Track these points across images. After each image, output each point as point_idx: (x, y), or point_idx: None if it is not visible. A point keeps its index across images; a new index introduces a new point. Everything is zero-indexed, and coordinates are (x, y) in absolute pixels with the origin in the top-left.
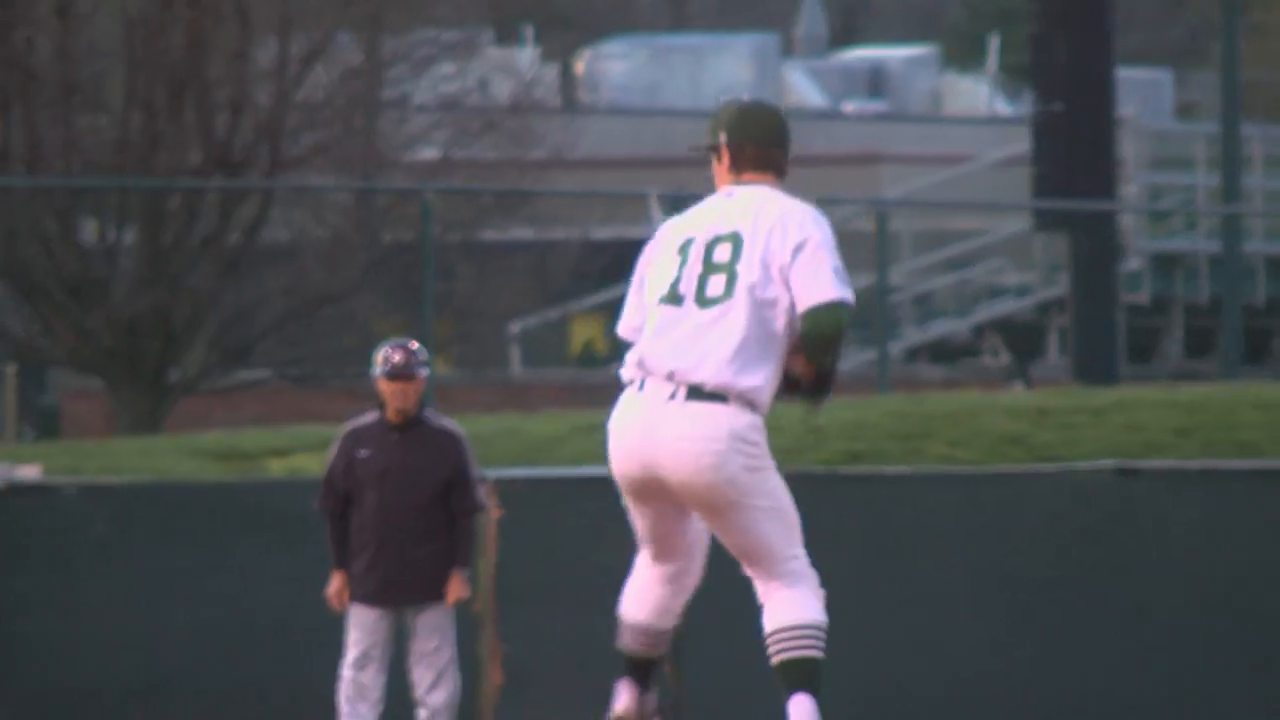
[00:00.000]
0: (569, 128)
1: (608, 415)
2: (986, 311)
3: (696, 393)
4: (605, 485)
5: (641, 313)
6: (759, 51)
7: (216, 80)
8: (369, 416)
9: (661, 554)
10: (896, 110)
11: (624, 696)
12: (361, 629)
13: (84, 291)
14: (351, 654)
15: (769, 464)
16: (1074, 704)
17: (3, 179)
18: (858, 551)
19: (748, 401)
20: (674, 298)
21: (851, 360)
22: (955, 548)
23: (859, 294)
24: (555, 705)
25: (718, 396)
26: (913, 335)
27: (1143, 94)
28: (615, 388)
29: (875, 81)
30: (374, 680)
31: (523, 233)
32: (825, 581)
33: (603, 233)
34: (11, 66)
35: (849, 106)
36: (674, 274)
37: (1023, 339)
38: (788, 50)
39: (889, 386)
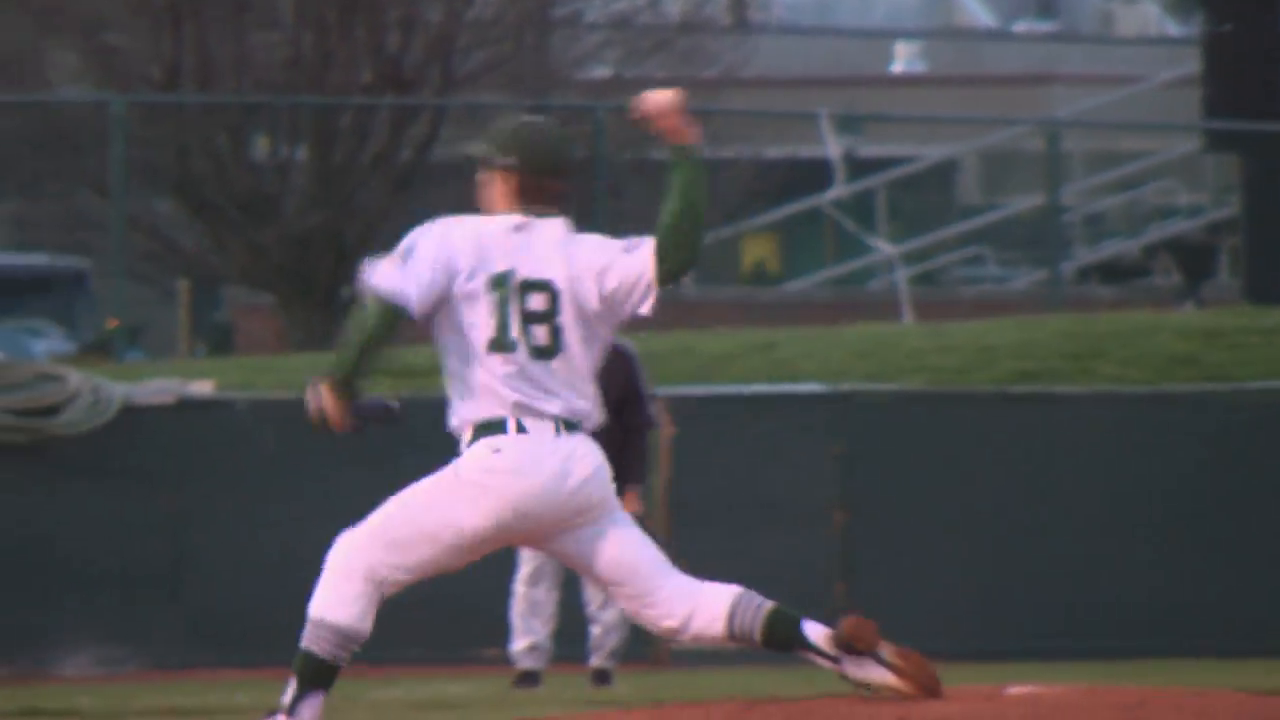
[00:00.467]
0: (740, 47)
1: (778, 332)
2: (1158, 232)
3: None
4: (776, 404)
5: (417, 284)
6: None
7: None
8: None
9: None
10: (1067, 30)
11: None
12: (530, 559)
13: (255, 208)
14: (524, 570)
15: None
16: (1241, 615)
17: (175, 96)
18: (1028, 469)
19: None
20: (505, 345)
21: (1022, 279)
22: (1125, 466)
23: (1030, 213)
24: None
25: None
26: (1083, 255)
27: None
28: (786, 305)
29: (1045, 1)
30: (547, 596)
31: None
32: (996, 499)
33: (774, 152)
34: None
35: (1019, 26)
36: (496, 318)
37: (1194, 259)
38: None
39: (1060, 306)
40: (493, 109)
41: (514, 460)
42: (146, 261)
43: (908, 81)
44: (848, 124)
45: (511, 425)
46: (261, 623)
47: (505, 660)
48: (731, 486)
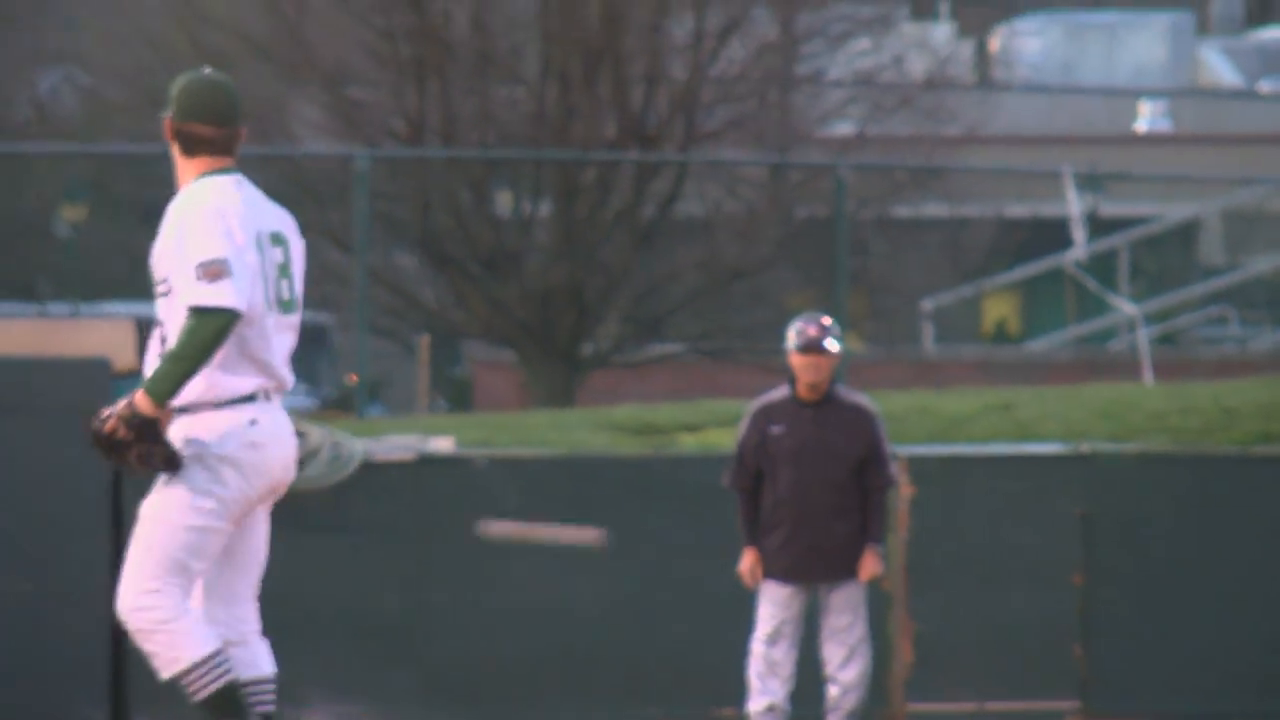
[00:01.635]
0: (983, 104)
1: (1018, 392)
2: None
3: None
4: (1017, 464)
5: (250, 281)
6: (1174, 29)
7: (631, 53)
8: (780, 392)
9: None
10: None
11: None
12: (774, 604)
13: (497, 263)
14: (763, 629)
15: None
16: None
17: (419, 150)
18: (1272, 533)
19: None
20: (270, 304)
21: (1266, 340)
22: None
23: (1274, 273)
24: (965, 682)
25: None
26: None
27: None
28: (1026, 365)
29: None
30: (786, 656)
31: (937, 209)
32: (1230, 561)
33: (1016, 210)
34: (429, 39)
35: (1264, 85)
36: (261, 275)
37: None
38: (1203, 29)
39: None
40: (735, 165)
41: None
42: (388, 316)
43: (1152, 140)
44: (1090, 182)
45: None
46: (504, 679)
47: None
48: (969, 547)
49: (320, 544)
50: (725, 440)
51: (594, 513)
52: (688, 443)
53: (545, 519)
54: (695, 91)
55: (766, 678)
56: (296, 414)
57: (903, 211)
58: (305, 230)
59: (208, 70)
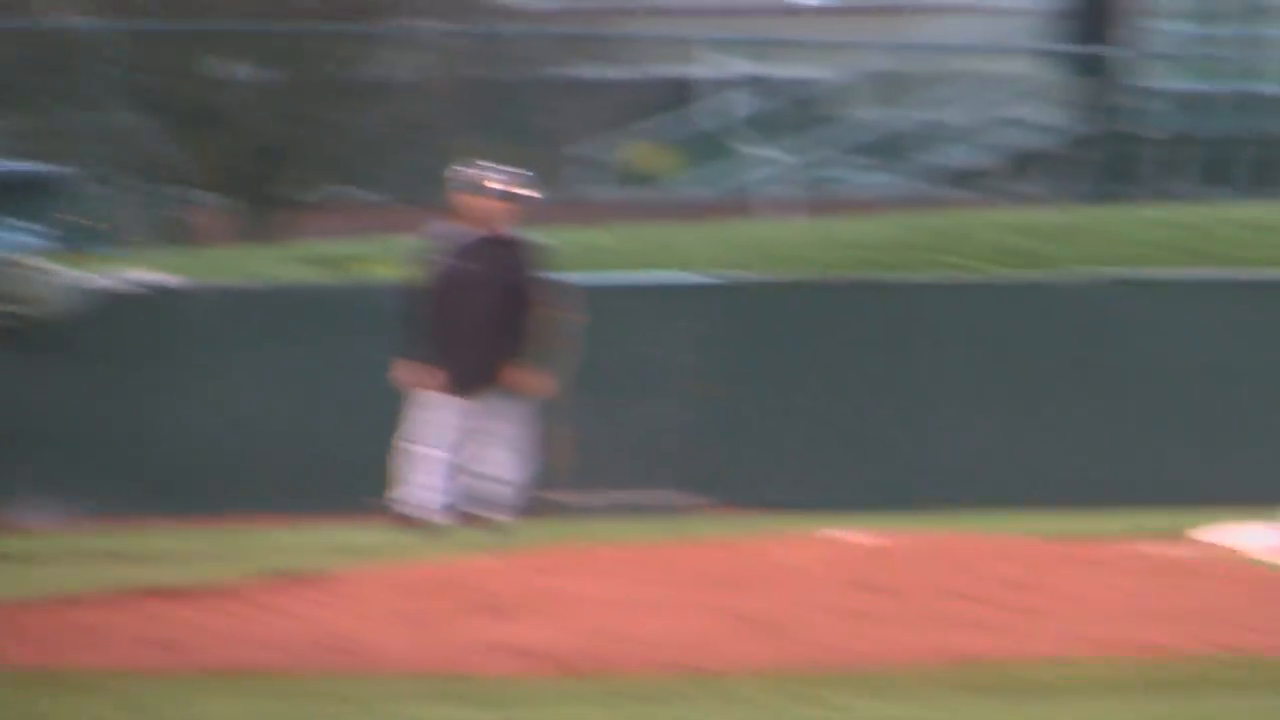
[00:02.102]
0: None
1: (679, 229)
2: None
3: None
4: (664, 292)
5: None
6: None
7: None
8: (455, 227)
9: None
10: None
11: None
12: (444, 412)
13: (207, 117)
14: (429, 433)
15: None
16: (1060, 479)
17: (141, 23)
18: (876, 348)
19: None
20: None
21: (906, 185)
22: (961, 349)
23: (894, 124)
24: (618, 479)
25: None
26: (944, 160)
27: None
28: (687, 207)
29: None
30: (450, 459)
31: (594, 71)
32: (850, 373)
33: (675, 71)
34: None
35: None
36: None
37: (1057, 169)
38: None
39: (920, 205)
40: (432, 33)
41: None
42: (115, 168)
43: (806, 13)
44: (751, 50)
45: None
46: (204, 483)
47: (392, 509)
48: (622, 363)
49: (48, 365)
50: (399, 272)
51: (289, 336)
52: (367, 273)
53: (244, 342)
54: None
55: (415, 470)
56: (32, 253)
57: (581, 73)
58: (48, 94)
59: None
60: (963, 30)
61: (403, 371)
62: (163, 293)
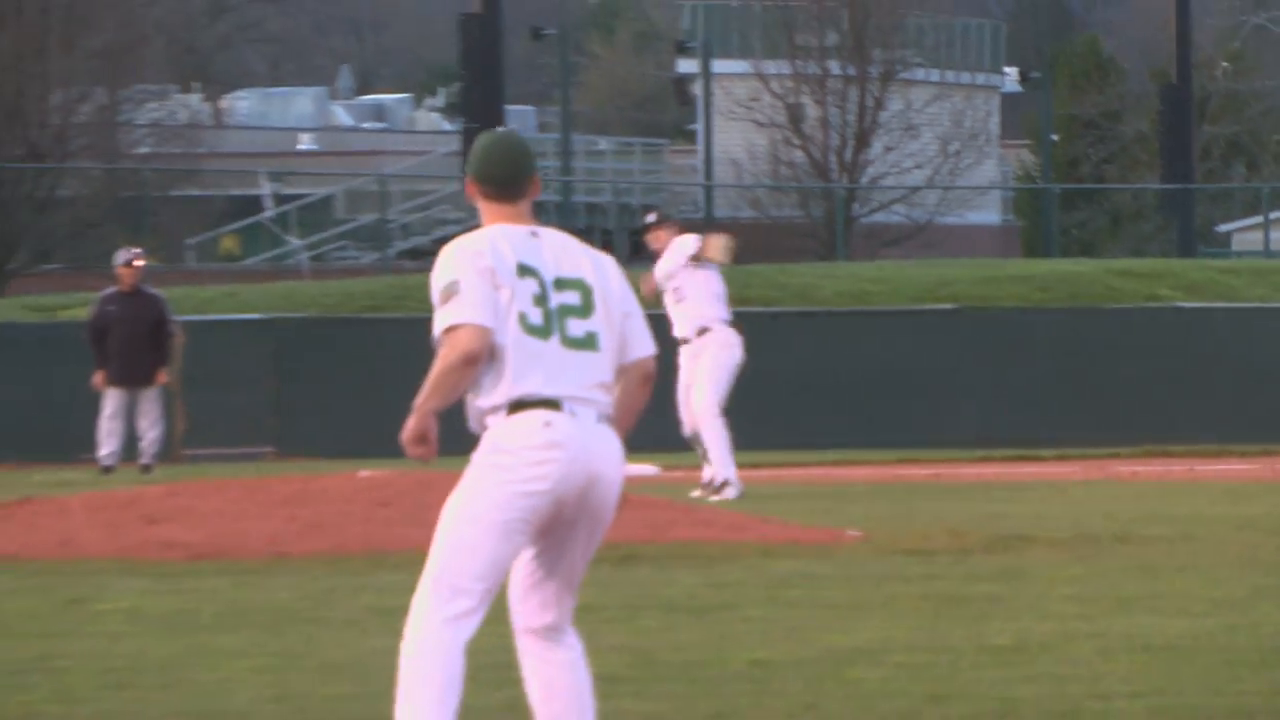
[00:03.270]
0: (219, 135)
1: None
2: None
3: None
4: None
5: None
6: (318, 96)
7: None
8: (112, 288)
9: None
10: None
11: None
12: (113, 399)
13: None
14: (107, 411)
15: None
16: None
17: None
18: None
19: None
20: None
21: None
22: None
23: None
24: (224, 442)
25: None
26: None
27: None
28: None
29: None
30: (119, 428)
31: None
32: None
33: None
34: None
35: (367, 126)
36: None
37: None
38: (333, 96)
39: None
40: (93, 168)
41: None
42: None
43: (306, 155)
44: (275, 178)
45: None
46: None
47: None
48: (210, 364)
49: None
50: (83, 313)
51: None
52: (69, 315)
53: None
54: None
55: (109, 437)
56: None
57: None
58: None
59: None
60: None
61: (96, 375)
62: None
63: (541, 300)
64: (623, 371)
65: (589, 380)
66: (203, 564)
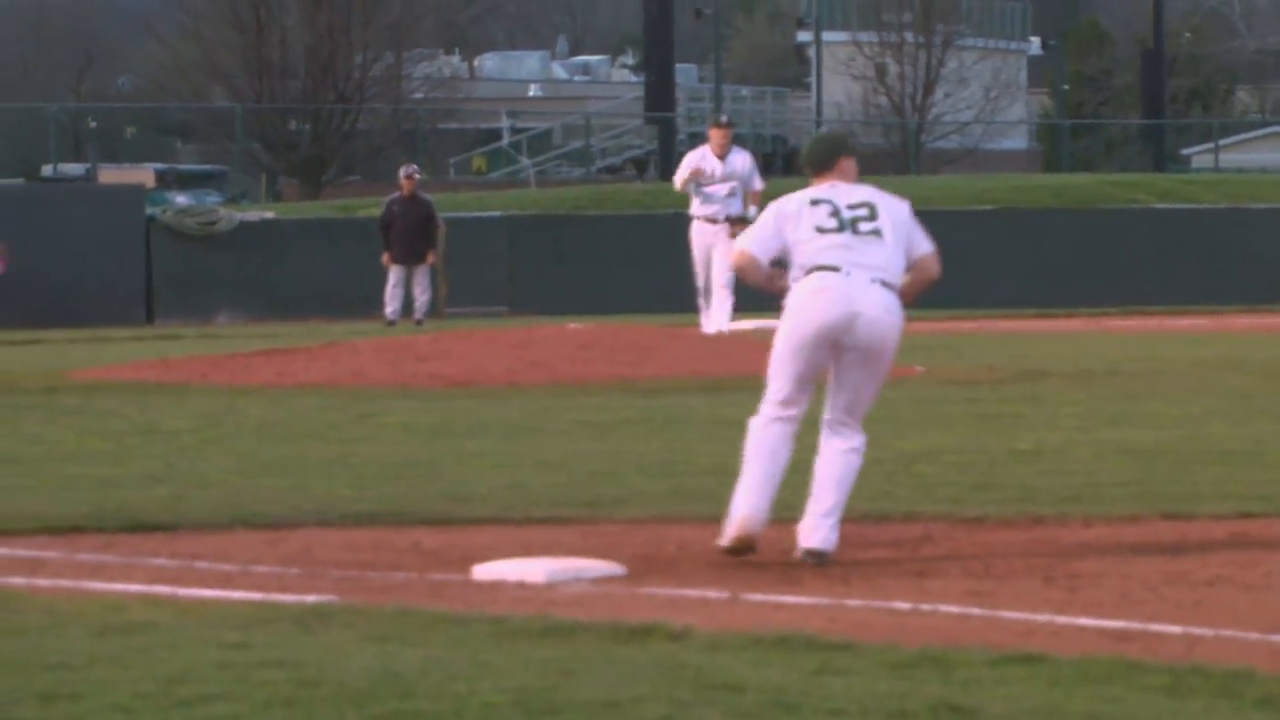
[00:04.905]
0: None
1: None
2: None
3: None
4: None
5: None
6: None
7: None
8: (396, 194)
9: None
10: None
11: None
12: (395, 273)
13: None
14: (391, 281)
15: None
16: None
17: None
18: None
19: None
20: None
21: None
22: None
23: None
24: (473, 303)
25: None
26: None
27: None
28: None
29: None
30: (399, 293)
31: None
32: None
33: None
34: None
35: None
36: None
37: None
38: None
39: None
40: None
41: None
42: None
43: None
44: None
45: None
46: None
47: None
48: (476, 256)
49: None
50: (375, 211)
51: None
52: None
53: None
54: None
55: (391, 301)
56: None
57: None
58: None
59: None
60: None
61: (384, 255)
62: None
63: (835, 214)
64: (914, 263)
65: (871, 258)
66: (456, 390)
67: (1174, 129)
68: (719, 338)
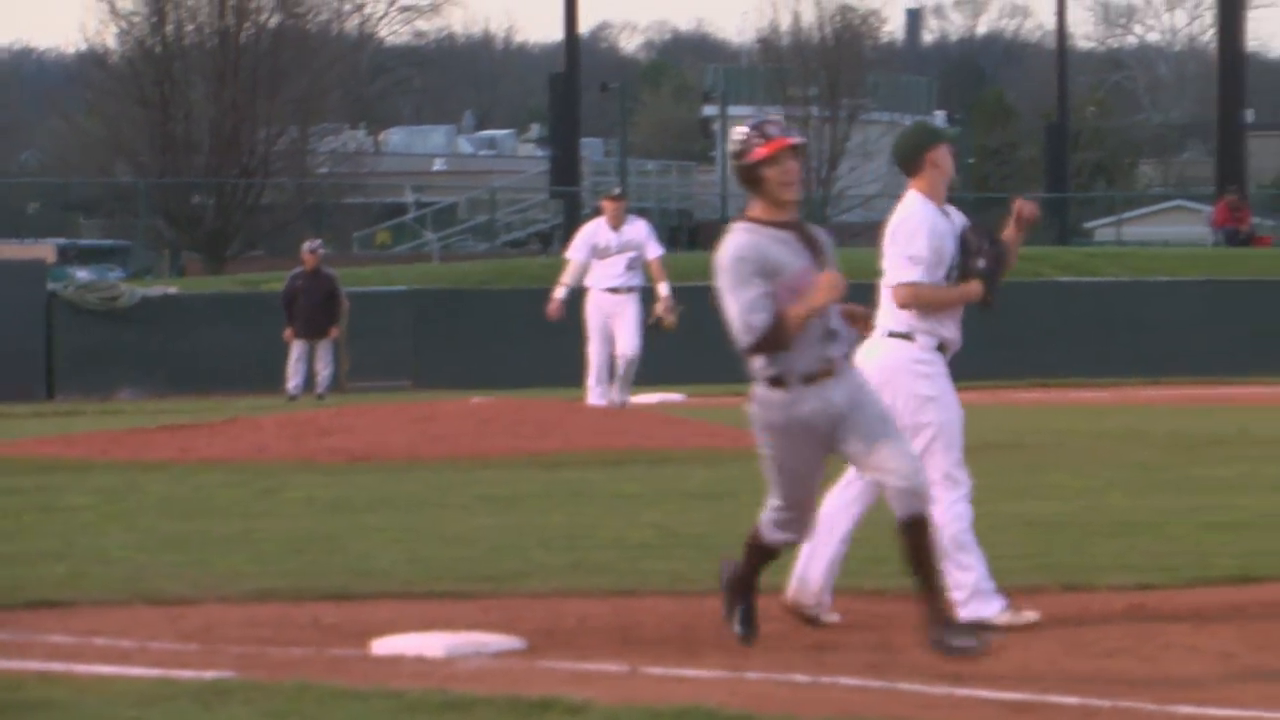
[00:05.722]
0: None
1: None
2: None
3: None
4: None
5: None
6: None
7: None
8: (299, 268)
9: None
10: None
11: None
12: (297, 347)
13: None
14: (293, 356)
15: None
16: None
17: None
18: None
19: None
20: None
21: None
22: None
23: None
24: (376, 378)
25: None
26: None
27: None
28: None
29: None
30: (301, 368)
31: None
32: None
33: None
34: None
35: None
36: None
37: None
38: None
39: None
40: None
41: None
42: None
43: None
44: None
45: None
46: None
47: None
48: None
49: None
50: (276, 285)
51: None
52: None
53: None
54: None
55: (293, 374)
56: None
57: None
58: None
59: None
60: None
61: (286, 331)
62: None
63: None
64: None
65: None
66: (359, 464)
67: (1078, 202)
68: (622, 411)
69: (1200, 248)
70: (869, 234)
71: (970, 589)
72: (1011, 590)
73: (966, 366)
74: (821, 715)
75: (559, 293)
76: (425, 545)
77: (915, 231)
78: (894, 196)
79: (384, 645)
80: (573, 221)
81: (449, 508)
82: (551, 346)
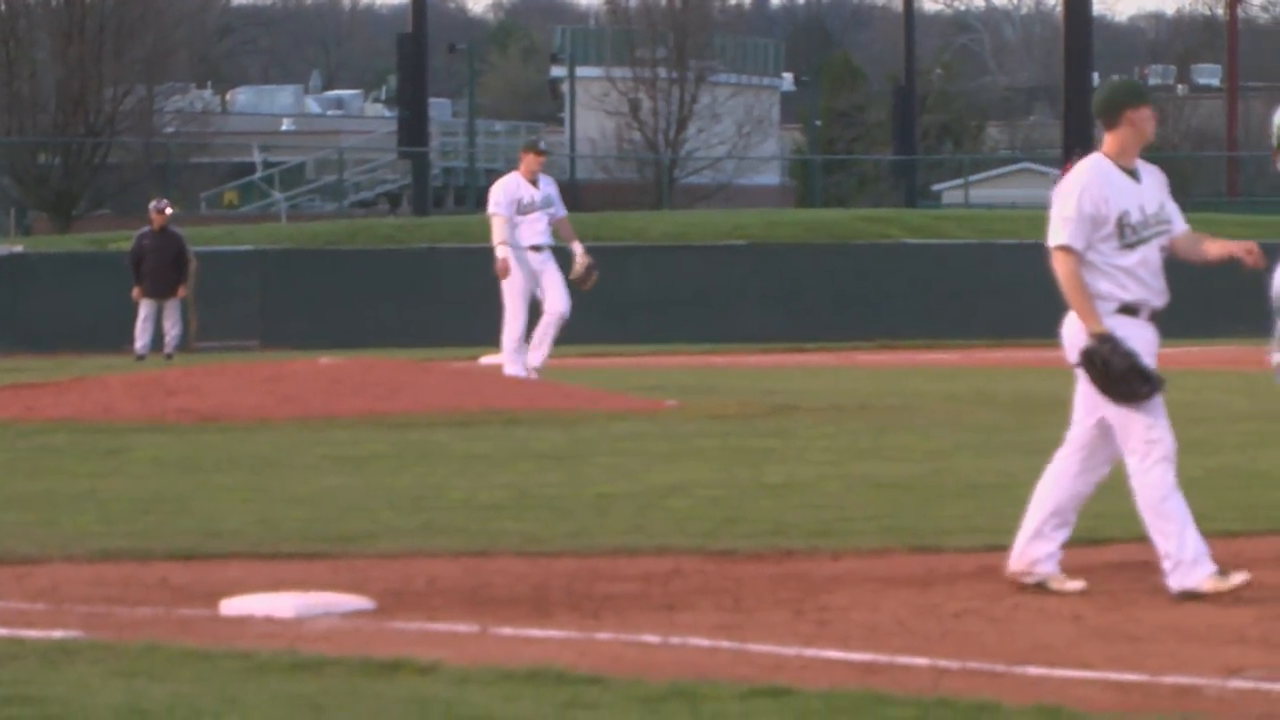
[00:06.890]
0: None
1: None
2: None
3: None
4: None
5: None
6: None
7: None
8: (146, 228)
9: None
10: None
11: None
12: (145, 307)
13: None
14: (141, 315)
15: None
16: None
17: None
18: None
19: None
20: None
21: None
22: None
23: None
24: (224, 338)
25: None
26: None
27: None
28: None
29: None
30: (149, 328)
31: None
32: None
33: None
34: None
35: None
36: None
37: None
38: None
39: None
40: None
41: None
42: None
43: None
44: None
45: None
46: None
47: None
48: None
49: None
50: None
51: None
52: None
53: None
54: None
55: (141, 334)
56: None
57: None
58: None
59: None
60: None
61: (134, 290)
62: None
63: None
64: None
65: None
66: (207, 424)
67: (925, 165)
68: (475, 370)
69: (1047, 210)
70: (719, 196)
71: (1173, 558)
72: (860, 551)
73: (814, 328)
74: (671, 677)
75: (504, 251)
76: (274, 506)
77: (1069, 192)
78: (740, 159)
79: (233, 605)
80: (422, 182)
81: (298, 468)
82: (400, 307)
